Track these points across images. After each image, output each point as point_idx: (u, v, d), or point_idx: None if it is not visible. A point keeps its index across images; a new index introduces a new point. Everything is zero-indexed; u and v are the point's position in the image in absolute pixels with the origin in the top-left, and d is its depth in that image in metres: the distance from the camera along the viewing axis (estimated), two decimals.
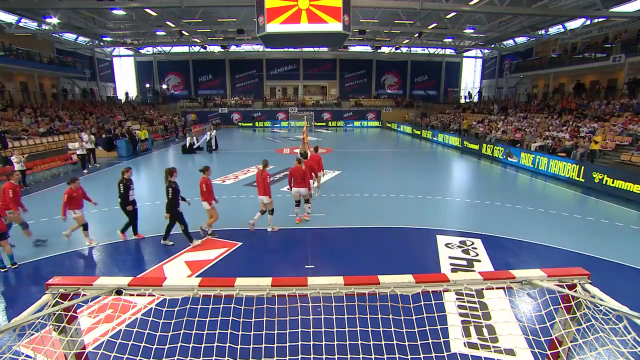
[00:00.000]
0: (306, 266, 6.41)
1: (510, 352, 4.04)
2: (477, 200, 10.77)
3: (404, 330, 2.79)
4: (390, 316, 2.88)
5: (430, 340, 2.72)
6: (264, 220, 7.98)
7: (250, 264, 6.60)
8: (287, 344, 2.91)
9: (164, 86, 39.67)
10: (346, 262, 6.61)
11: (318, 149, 10.71)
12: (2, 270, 6.13)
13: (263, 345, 2.83)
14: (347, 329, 2.78)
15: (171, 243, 7.24)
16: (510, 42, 31.62)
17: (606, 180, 11.65)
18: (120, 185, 7.10)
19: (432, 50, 38.64)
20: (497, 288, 2.41)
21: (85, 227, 7.24)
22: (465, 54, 38.97)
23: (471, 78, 41.83)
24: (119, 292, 2.33)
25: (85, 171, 15.06)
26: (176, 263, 6.50)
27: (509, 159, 17.23)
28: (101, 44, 30.91)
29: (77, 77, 29.60)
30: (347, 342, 2.79)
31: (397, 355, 2.80)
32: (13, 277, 6.06)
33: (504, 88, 33.54)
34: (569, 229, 8.37)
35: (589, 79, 23.09)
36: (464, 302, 5.00)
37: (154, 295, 2.35)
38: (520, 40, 30.27)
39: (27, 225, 7.26)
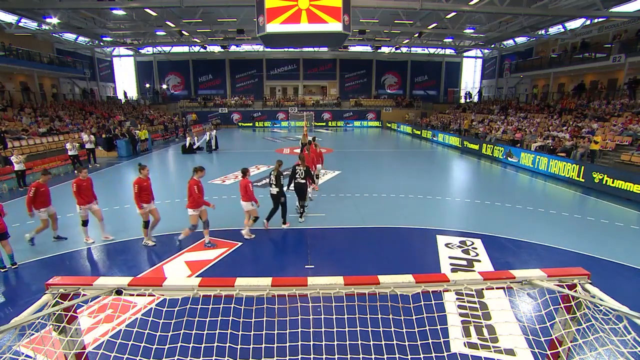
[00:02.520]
0: (306, 266, 6.41)
1: (510, 352, 4.04)
2: (477, 200, 10.77)
3: (404, 330, 2.79)
4: (390, 316, 2.88)
5: (430, 340, 2.72)
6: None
7: (250, 264, 6.60)
8: (287, 344, 2.91)
9: (164, 86, 39.66)
10: (346, 262, 6.61)
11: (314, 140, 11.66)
12: (2, 270, 6.14)
13: (263, 345, 2.83)
14: (347, 329, 2.78)
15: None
16: (510, 42, 31.61)
17: (606, 180, 11.65)
18: (281, 176, 7.83)
19: (432, 50, 38.62)
20: (497, 288, 2.41)
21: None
22: (465, 54, 38.96)
23: (471, 78, 41.82)
24: (119, 292, 2.33)
25: (76, 172, 15.09)
26: (176, 263, 6.50)
27: (509, 159, 17.23)
28: (101, 44, 30.90)
29: (77, 77, 29.60)
30: (347, 342, 2.79)
31: (397, 355, 2.80)
32: (13, 277, 6.06)
33: (504, 88, 33.54)
34: (569, 229, 8.37)
35: (589, 79, 23.09)
36: (464, 302, 5.00)
37: (154, 295, 2.35)
38: (520, 40, 30.26)
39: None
